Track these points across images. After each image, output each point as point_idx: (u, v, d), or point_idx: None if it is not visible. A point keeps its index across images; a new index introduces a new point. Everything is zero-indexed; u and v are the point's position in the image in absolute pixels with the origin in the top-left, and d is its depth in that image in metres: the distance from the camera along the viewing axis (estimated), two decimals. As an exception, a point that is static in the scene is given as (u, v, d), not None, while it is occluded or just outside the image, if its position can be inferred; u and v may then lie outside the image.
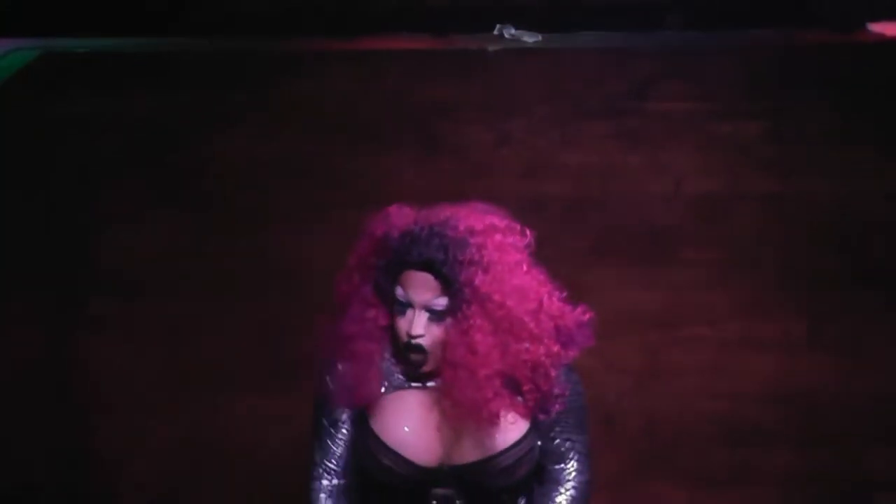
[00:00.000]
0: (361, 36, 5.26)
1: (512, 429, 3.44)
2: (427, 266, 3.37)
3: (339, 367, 3.49)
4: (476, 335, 3.37)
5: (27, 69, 5.03)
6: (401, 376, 3.48)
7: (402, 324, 3.42)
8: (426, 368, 3.44)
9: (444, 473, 3.44)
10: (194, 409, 5.09)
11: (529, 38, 5.23)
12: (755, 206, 5.07)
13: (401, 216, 3.45)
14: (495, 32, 5.29)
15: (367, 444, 3.45)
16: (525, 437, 3.44)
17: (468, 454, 3.42)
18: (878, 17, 5.22)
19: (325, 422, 3.53)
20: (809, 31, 5.23)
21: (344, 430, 3.51)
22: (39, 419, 5.11)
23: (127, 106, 5.08)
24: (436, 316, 3.39)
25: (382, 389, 3.46)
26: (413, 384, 3.48)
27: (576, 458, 3.54)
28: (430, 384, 3.47)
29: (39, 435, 5.12)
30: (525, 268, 3.44)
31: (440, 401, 3.43)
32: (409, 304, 3.40)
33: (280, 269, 5.06)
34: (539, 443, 3.47)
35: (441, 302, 3.38)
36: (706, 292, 5.07)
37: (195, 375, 5.09)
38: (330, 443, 3.52)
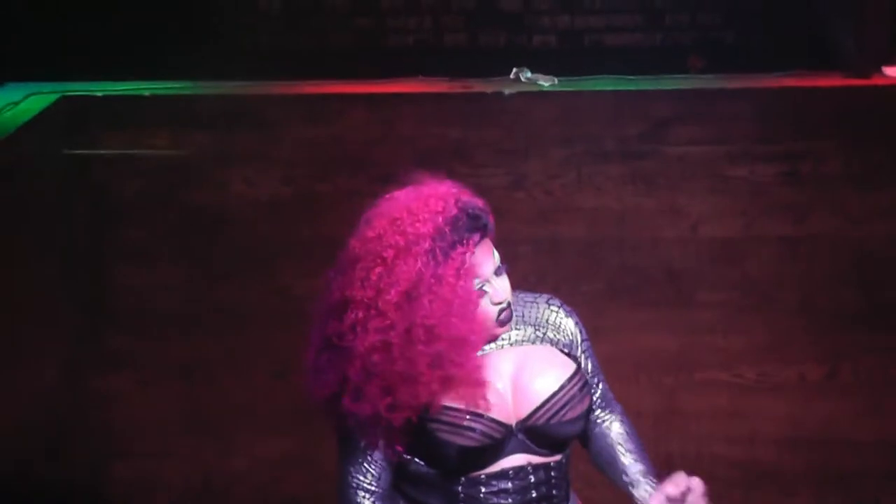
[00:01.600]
0: (378, 79, 5.29)
1: (564, 365, 3.45)
2: (483, 233, 3.37)
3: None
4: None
5: (46, 112, 5.06)
6: None
7: (493, 294, 3.38)
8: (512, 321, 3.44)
9: (516, 431, 3.40)
10: (210, 448, 5.09)
11: (545, 82, 5.25)
12: (771, 248, 5.07)
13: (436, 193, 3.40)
14: (511, 76, 5.31)
15: (435, 423, 3.32)
16: (577, 371, 3.46)
17: (533, 398, 3.40)
18: (892, 62, 5.23)
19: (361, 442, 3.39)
20: (825, 75, 5.25)
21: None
22: (52, 455, 5.11)
23: (145, 147, 5.11)
24: (500, 272, 3.40)
25: None
26: None
27: (612, 396, 3.64)
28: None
29: (52, 471, 5.12)
30: None
31: (496, 360, 3.42)
32: (485, 281, 3.36)
33: (296, 308, 5.06)
34: None
35: (498, 258, 3.40)
36: (722, 335, 5.06)
37: (210, 414, 5.09)
38: (370, 460, 3.40)
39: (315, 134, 5.09)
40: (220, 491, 5.09)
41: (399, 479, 3.48)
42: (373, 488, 3.43)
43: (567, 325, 3.57)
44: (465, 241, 3.33)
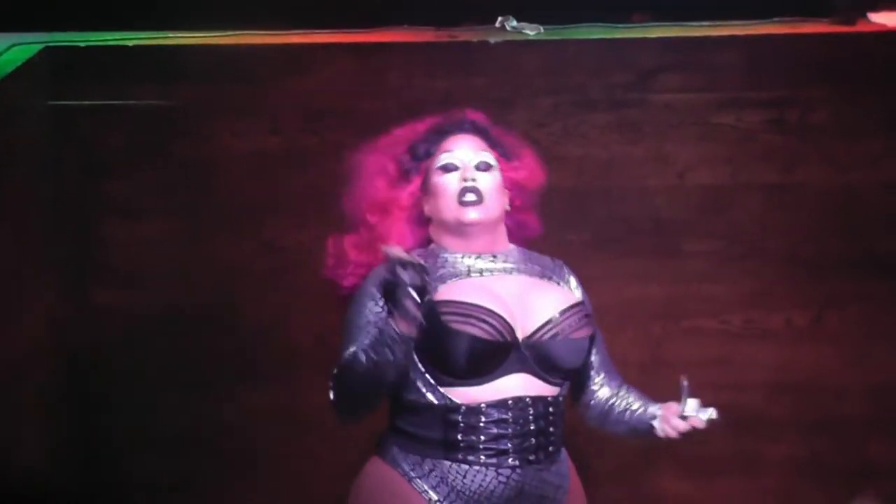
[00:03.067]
0: (363, 29, 5.27)
1: (568, 294, 3.64)
2: (471, 131, 3.69)
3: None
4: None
5: (29, 63, 5.03)
6: (454, 268, 3.56)
7: (450, 180, 3.61)
8: (478, 214, 3.57)
9: (522, 347, 3.49)
10: (197, 401, 5.10)
11: (531, 30, 5.23)
12: (758, 196, 5.07)
13: None
14: (497, 25, 5.29)
15: (449, 315, 3.43)
16: (581, 302, 3.64)
17: (540, 315, 3.53)
18: (878, 8, 5.22)
19: (361, 322, 3.48)
20: (811, 22, 5.24)
21: (386, 319, 3.44)
22: (39, 411, 5.12)
23: (131, 99, 5.08)
24: (485, 167, 3.64)
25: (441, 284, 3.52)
26: (471, 275, 3.55)
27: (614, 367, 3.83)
28: (484, 274, 3.56)
29: (39, 427, 5.12)
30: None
31: (504, 281, 3.57)
32: (455, 166, 3.62)
33: (283, 260, 5.07)
34: None
35: (488, 157, 3.66)
36: (709, 283, 5.07)
37: (197, 367, 5.09)
38: (369, 335, 3.45)
39: (301, 85, 5.07)
40: (207, 443, 5.10)
41: (398, 416, 3.52)
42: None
43: (572, 282, 3.72)
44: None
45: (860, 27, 5.18)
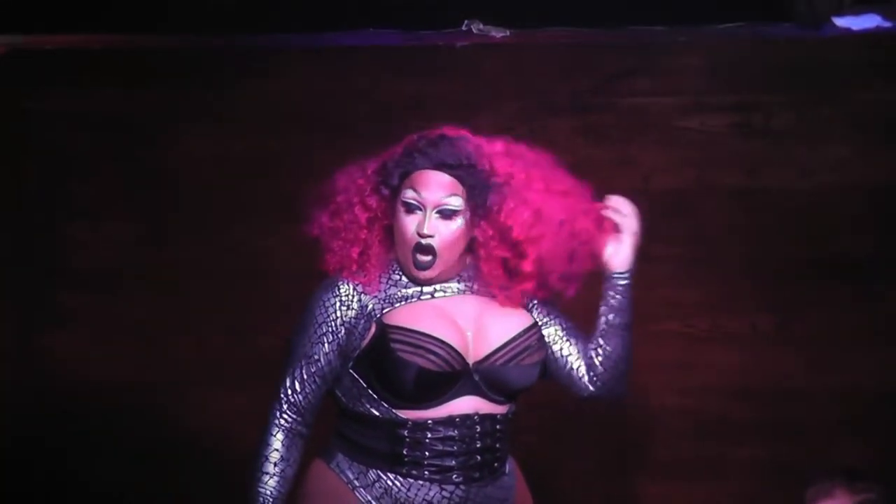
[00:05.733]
0: (329, 32, 5.26)
1: (523, 316, 3.53)
2: (440, 166, 3.44)
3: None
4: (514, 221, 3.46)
5: (-6, 66, 5.03)
6: (408, 290, 3.49)
7: (410, 225, 3.44)
8: (432, 273, 3.46)
9: (473, 371, 3.45)
10: (163, 405, 5.09)
11: (497, 34, 5.24)
12: (723, 200, 5.10)
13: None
14: (463, 28, 5.30)
15: (398, 344, 3.40)
16: (535, 325, 3.54)
17: (493, 340, 3.47)
18: (843, 12, 5.24)
19: (308, 350, 3.47)
20: (775, 26, 5.26)
21: (323, 366, 3.46)
22: (4, 414, 5.11)
23: (96, 103, 5.08)
24: (448, 215, 3.45)
25: (395, 305, 3.46)
26: (422, 297, 3.49)
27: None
28: (437, 295, 3.49)
29: (5, 431, 5.11)
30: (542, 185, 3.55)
31: (458, 303, 3.49)
32: (418, 207, 3.44)
33: (249, 264, 5.07)
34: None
35: (455, 202, 3.44)
36: (674, 288, 5.09)
37: (163, 371, 5.09)
38: (305, 375, 3.47)
39: (267, 88, 5.07)
40: (174, 448, 5.09)
41: (344, 423, 3.53)
42: (299, 401, 3.47)
43: None
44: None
45: (825, 31, 5.20)
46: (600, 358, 3.58)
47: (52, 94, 5.09)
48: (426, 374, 3.41)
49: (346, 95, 5.06)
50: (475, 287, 3.53)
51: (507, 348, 3.49)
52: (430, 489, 3.45)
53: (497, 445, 3.51)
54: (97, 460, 5.12)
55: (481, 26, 5.27)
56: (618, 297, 3.58)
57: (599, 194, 5.03)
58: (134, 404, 5.09)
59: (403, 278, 3.51)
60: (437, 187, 3.44)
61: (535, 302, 3.57)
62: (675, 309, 5.10)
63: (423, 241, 3.44)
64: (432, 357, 3.41)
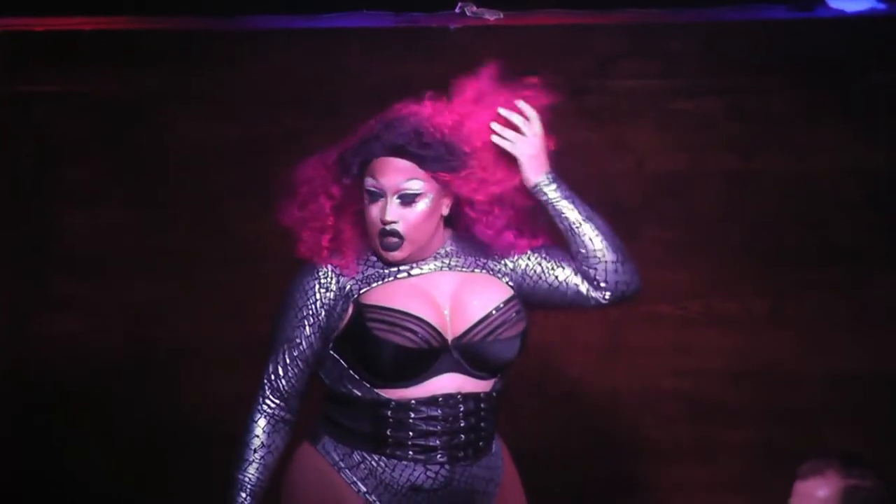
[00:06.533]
0: (321, 14, 5.24)
1: (502, 289, 3.52)
2: (395, 150, 3.44)
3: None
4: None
5: (-14, 48, 5.01)
6: (385, 269, 3.49)
7: (374, 212, 3.45)
8: (401, 254, 3.47)
9: (452, 348, 3.46)
10: (157, 389, 5.08)
11: (490, 16, 5.22)
12: (717, 183, 5.09)
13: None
14: (457, 10, 5.28)
15: (375, 323, 3.42)
16: (514, 297, 3.53)
17: (471, 316, 3.47)
18: (836, -7, 5.24)
19: (290, 334, 3.48)
20: (769, 8, 5.25)
21: (305, 349, 3.47)
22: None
23: (87, 85, 5.06)
24: (409, 200, 3.45)
25: (372, 284, 3.47)
26: (399, 276, 3.49)
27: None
28: (413, 273, 3.50)
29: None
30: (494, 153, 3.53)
31: (435, 280, 3.50)
32: (379, 194, 3.45)
33: (241, 248, 5.06)
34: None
35: (414, 185, 3.44)
36: (669, 270, 5.08)
37: (157, 355, 5.07)
38: (288, 361, 3.48)
39: (259, 71, 5.05)
40: (169, 432, 5.08)
41: (329, 405, 3.54)
42: (283, 388, 3.48)
43: (510, 264, 3.59)
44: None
45: (818, 13, 5.19)
46: (586, 261, 3.55)
47: (43, 78, 5.06)
48: (403, 352, 3.42)
49: (337, 78, 5.05)
50: (452, 263, 3.53)
51: (485, 323, 3.49)
52: (414, 469, 3.46)
53: (482, 424, 3.51)
54: (91, 445, 5.10)
55: (475, 9, 5.26)
56: (552, 202, 3.57)
57: (594, 177, 5.08)
58: (127, 388, 5.08)
59: (373, 258, 3.53)
60: (395, 173, 3.44)
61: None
62: (669, 292, 5.09)
63: (388, 227, 3.45)
64: (409, 335, 3.42)
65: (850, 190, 5.06)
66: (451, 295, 3.51)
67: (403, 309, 3.44)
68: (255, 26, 5.16)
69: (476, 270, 3.55)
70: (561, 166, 5.04)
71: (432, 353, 3.45)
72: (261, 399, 3.52)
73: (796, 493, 3.84)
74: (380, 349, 3.42)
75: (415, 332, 3.43)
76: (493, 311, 3.50)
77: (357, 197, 3.50)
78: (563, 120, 5.05)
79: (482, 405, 3.51)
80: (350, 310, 3.47)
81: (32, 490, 5.10)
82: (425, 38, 5.12)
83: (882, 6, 5.20)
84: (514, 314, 3.52)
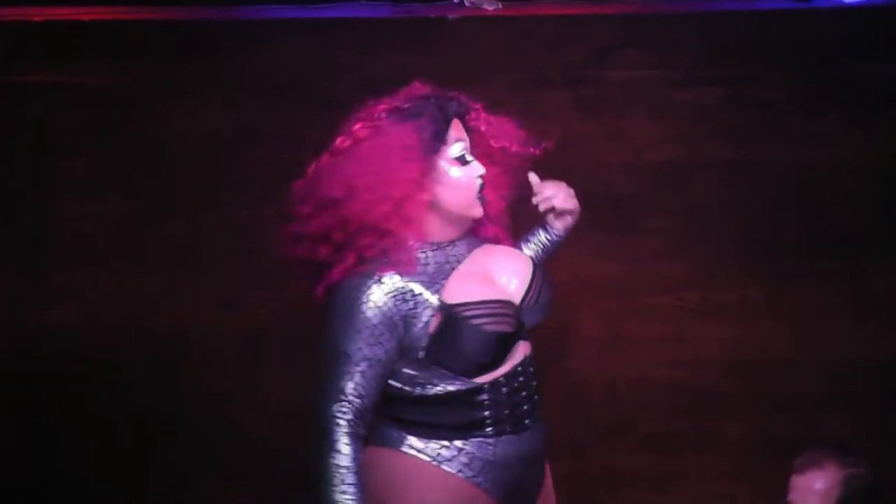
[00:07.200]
0: (318, 4, 5.24)
1: (515, 251, 3.74)
2: (458, 112, 3.64)
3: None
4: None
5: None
6: (440, 261, 3.52)
7: (469, 172, 3.56)
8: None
9: (525, 312, 3.57)
10: (154, 380, 5.08)
11: (489, 6, 5.22)
12: (715, 174, 5.08)
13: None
14: (455, 0, 5.28)
15: (477, 319, 3.44)
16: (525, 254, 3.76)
17: (522, 281, 3.58)
18: (836, -15, 5.24)
19: (367, 352, 3.40)
20: (766, -1, 5.26)
21: (385, 364, 3.42)
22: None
23: (84, 76, 5.05)
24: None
25: (440, 282, 3.49)
26: (451, 262, 3.53)
27: None
28: (454, 253, 3.56)
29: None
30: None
31: (477, 258, 3.57)
32: (468, 160, 3.57)
33: (238, 239, 5.05)
34: None
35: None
36: (666, 261, 5.08)
37: (155, 346, 5.07)
38: (369, 377, 3.40)
39: (256, 62, 5.04)
40: (165, 421, 5.08)
41: (406, 409, 3.51)
42: (359, 403, 3.41)
43: None
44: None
45: (817, 3, 5.19)
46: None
47: (40, 69, 5.06)
48: (507, 338, 3.49)
49: (334, 68, 5.03)
50: (474, 239, 3.63)
51: (534, 284, 3.60)
52: (510, 441, 3.51)
53: (534, 382, 3.61)
54: (89, 437, 5.10)
55: (473, -1, 5.25)
56: (548, 242, 3.85)
57: (592, 167, 5.08)
58: (125, 380, 5.08)
59: (427, 253, 3.51)
60: (461, 134, 3.62)
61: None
62: (666, 282, 5.09)
63: (482, 182, 3.57)
64: (508, 320, 3.49)
65: (847, 181, 5.05)
66: (493, 268, 3.59)
67: (491, 297, 3.49)
68: (252, 16, 5.16)
69: (493, 242, 3.68)
70: (559, 157, 5.08)
71: (521, 328, 3.53)
72: (342, 421, 3.38)
73: (795, 487, 3.86)
74: (489, 342, 3.45)
75: (510, 316, 3.49)
76: (535, 270, 3.62)
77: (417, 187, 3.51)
78: (561, 111, 5.08)
79: (533, 362, 3.61)
80: (437, 314, 3.45)
81: (30, 484, 5.10)
82: (423, 28, 5.11)
83: (881, -4, 5.20)
84: (543, 271, 3.65)
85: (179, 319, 5.07)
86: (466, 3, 5.25)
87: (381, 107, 3.59)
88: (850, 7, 5.15)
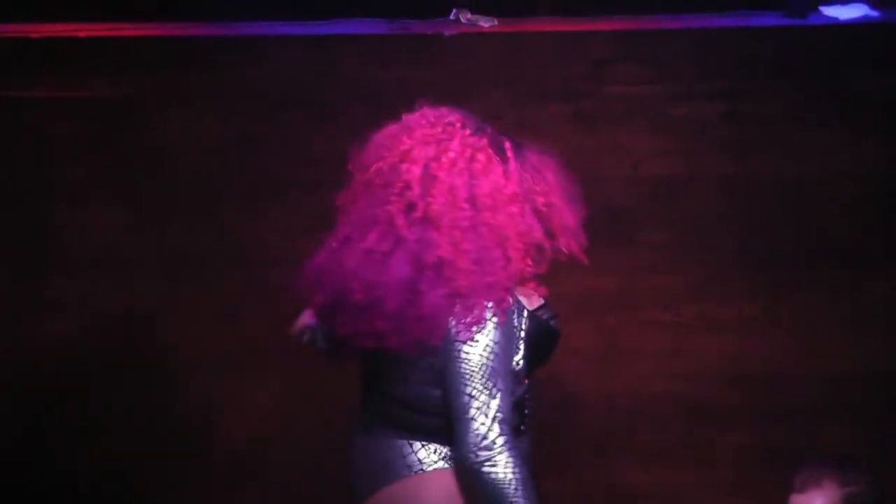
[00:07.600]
0: (317, 20, 5.25)
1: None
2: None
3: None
4: None
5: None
6: None
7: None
8: None
9: None
10: (152, 389, 5.08)
11: (485, 22, 5.23)
12: (712, 187, 5.09)
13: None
14: (451, 17, 5.29)
15: (553, 321, 3.59)
16: None
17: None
18: (830, 1, 5.26)
19: (505, 368, 3.38)
20: (764, 15, 5.27)
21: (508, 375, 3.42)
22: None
23: (83, 89, 5.06)
24: None
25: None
26: None
27: None
28: None
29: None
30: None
31: None
32: None
33: (237, 250, 5.06)
34: None
35: None
36: (663, 274, 5.09)
37: (151, 358, 5.07)
38: (507, 394, 3.36)
39: (254, 76, 5.06)
40: (163, 433, 5.08)
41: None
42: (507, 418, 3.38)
43: None
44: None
45: (813, 20, 5.21)
46: None
47: (39, 82, 5.07)
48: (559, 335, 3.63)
49: (332, 84, 5.05)
50: None
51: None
52: (525, 441, 3.52)
53: None
54: (85, 445, 5.10)
55: (469, 15, 5.27)
56: None
57: (589, 181, 5.08)
58: (122, 388, 5.08)
59: None
60: None
61: None
62: (663, 295, 5.09)
63: None
64: (555, 317, 3.61)
65: (844, 194, 5.07)
66: None
67: (540, 298, 3.60)
68: (251, 32, 5.17)
69: None
70: (556, 171, 5.09)
71: None
72: (509, 444, 3.33)
73: None
74: (555, 342, 3.61)
75: (557, 316, 3.60)
76: None
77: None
78: (559, 125, 5.09)
79: None
80: (526, 323, 3.52)
81: (27, 490, 5.09)
82: (421, 44, 5.13)
83: (875, 13, 5.21)
84: None
85: (177, 329, 5.07)
86: (463, 20, 5.27)
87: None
88: (845, 24, 5.18)
